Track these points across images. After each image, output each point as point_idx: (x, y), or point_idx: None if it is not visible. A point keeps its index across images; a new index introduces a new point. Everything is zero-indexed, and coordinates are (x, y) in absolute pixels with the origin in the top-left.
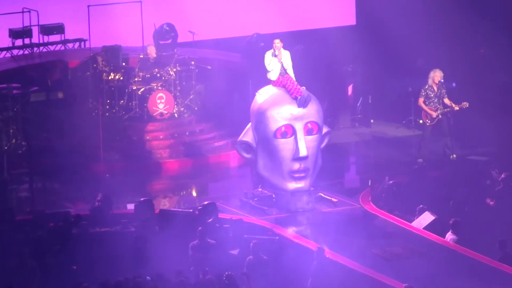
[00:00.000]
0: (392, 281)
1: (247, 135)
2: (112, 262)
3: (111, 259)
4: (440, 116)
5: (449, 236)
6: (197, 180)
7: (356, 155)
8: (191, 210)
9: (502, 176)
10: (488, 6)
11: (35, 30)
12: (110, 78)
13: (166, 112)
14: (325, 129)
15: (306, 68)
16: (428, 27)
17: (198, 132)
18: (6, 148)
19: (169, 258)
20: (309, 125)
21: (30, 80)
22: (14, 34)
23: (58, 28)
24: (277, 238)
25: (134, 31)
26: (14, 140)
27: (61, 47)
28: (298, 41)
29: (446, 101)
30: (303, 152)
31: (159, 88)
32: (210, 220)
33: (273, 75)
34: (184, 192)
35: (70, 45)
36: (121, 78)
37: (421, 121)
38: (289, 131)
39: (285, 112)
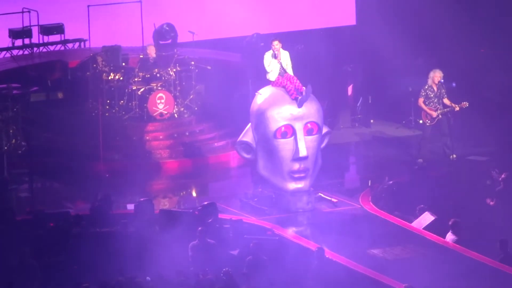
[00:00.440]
0: (392, 281)
1: (247, 135)
2: (112, 262)
3: (111, 259)
4: (440, 116)
5: (449, 236)
6: (197, 180)
7: (356, 155)
8: (191, 210)
9: (502, 176)
10: (488, 5)
11: (35, 30)
12: (110, 78)
13: (166, 112)
14: (325, 129)
15: (306, 68)
16: (428, 27)
17: (198, 132)
18: (6, 148)
19: (169, 258)
20: (309, 125)
21: (30, 80)
22: (14, 34)
23: (58, 28)
24: (277, 238)
25: (134, 31)
26: (14, 140)
27: (61, 47)
28: (298, 41)
29: (446, 101)
30: (303, 152)
31: (159, 88)
32: (210, 220)
33: (272, 75)
34: (184, 192)
35: (70, 45)
36: (121, 78)
37: (421, 121)
38: (289, 131)
39: (285, 112)
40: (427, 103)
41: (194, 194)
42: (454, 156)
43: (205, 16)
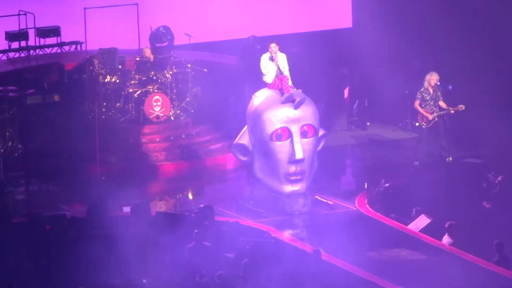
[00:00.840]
0: (388, 284)
1: (243, 137)
2: (109, 265)
3: (107, 261)
4: (436, 118)
5: (445, 239)
6: (193, 183)
7: (352, 157)
8: (187, 213)
9: (499, 178)
10: (484, 8)
11: (31, 33)
12: (106, 80)
13: (162, 114)
14: (321, 132)
15: (302, 71)
16: (424, 29)
17: (195, 134)
18: (2, 150)
19: (165, 260)
20: (305, 127)
21: (26, 82)
22: (11, 36)
23: (55, 31)
24: (273, 241)
25: (131, 33)
26: (10, 143)
27: (57, 49)
28: (295, 44)
29: (442, 104)
30: (299, 155)
31: (156, 90)
32: (206, 223)
33: (268, 78)
34: (180, 195)
35: (66, 48)
36: (118, 80)
37: (417, 124)
38: (285, 133)
39: (281, 114)
40: (423, 105)
41: (190, 196)
42: (451, 158)
43: (201, 19)
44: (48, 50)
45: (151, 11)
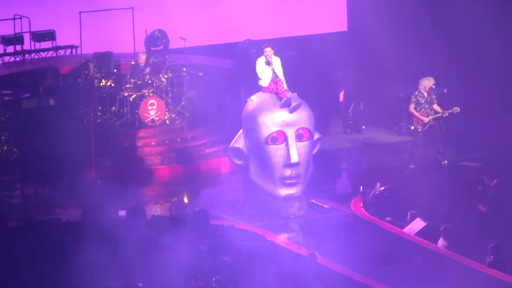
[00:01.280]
0: (383, 287)
1: (239, 141)
2: (105, 268)
3: (103, 266)
4: (431, 122)
5: (441, 242)
6: (188, 187)
7: (347, 161)
8: (182, 217)
9: (494, 182)
10: (479, 12)
11: (26, 37)
12: (101, 84)
13: (157, 118)
14: (316, 135)
15: (297, 74)
16: (419, 33)
17: (190, 138)
18: None
19: (160, 264)
20: (300, 131)
21: (21, 86)
22: (6, 40)
23: (50, 35)
24: (269, 244)
25: (126, 37)
26: (5, 147)
27: (52, 53)
28: (290, 47)
29: (436, 107)
30: (294, 158)
31: (151, 94)
32: (201, 227)
33: (264, 82)
34: (175, 199)
35: (61, 52)
36: (113, 84)
37: (412, 127)
38: (280, 137)
39: (276, 118)
40: (418, 109)
41: (185, 200)
42: (446, 162)
43: (196, 23)
44: (43, 54)
45: (146, 15)
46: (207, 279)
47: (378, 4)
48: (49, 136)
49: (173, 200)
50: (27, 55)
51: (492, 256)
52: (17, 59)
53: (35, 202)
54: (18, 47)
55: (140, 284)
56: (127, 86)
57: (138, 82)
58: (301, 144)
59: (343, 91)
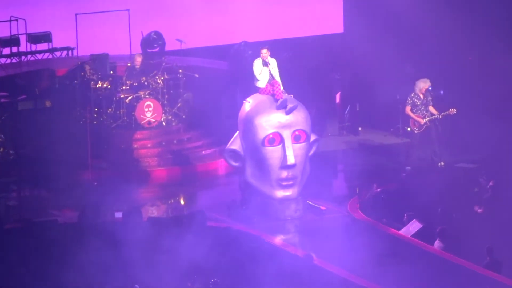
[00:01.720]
0: None
1: (235, 143)
2: (101, 270)
3: (99, 268)
4: (428, 123)
5: (437, 244)
6: (185, 188)
7: (344, 163)
8: (179, 219)
9: (490, 183)
10: (476, 13)
11: (22, 39)
12: (97, 86)
13: (154, 120)
14: (313, 137)
15: (293, 76)
16: (416, 34)
17: (186, 140)
18: None
19: (157, 266)
20: (297, 133)
21: (18, 88)
22: (2, 42)
23: (46, 37)
24: (265, 246)
25: (122, 39)
26: (2, 149)
27: (48, 55)
28: (286, 49)
29: (431, 109)
30: (291, 160)
31: (147, 96)
32: (198, 228)
33: (262, 83)
34: (172, 200)
35: (57, 54)
36: (109, 86)
37: (409, 129)
38: (277, 139)
39: (273, 120)
40: (414, 110)
41: (182, 202)
42: (442, 163)
43: (193, 25)
44: (39, 56)
45: (142, 16)
46: (203, 281)
47: (374, 6)
48: (46, 138)
49: (170, 201)
50: (23, 57)
51: (488, 258)
52: (13, 61)
53: (31, 203)
54: (14, 49)
55: (137, 286)
56: (123, 88)
57: (134, 84)
58: (297, 145)
59: (339, 92)
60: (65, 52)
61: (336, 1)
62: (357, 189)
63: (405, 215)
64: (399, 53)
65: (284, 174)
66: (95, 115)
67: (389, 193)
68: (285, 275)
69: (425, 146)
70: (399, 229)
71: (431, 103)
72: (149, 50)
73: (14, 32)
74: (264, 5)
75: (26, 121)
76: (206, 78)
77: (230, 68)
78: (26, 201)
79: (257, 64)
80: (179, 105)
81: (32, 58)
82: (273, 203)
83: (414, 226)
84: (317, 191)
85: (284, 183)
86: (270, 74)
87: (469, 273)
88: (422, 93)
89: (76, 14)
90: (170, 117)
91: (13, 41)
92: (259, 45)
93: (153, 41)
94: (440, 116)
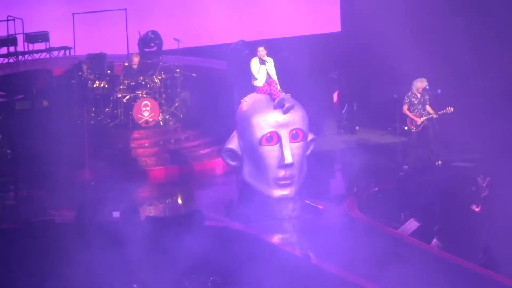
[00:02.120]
0: None
1: (233, 142)
2: (98, 270)
3: (97, 267)
4: (425, 122)
5: (434, 243)
6: (182, 188)
7: (341, 162)
8: (177, 218)
9: (486, 180)
10: (473, 13)
11: (20, 38)
12: (95, 86)
13: (151, 119)
14: (310, 136)
15: (291, 75)
16: (413, 34)
17: (184, 139)
18: None
19: (155, 265)
20: (294, 132)
21: (15, 88)
22: None
23: (43, 36)
24: (263, 245)
25: (119, 38)
26: None
27: (46, 55)
28: (283, 48)
29: (428, 108)
30: (288, 159)
31: (144, 95)
32: (196, 228)
33: (260, 82)
34: (169, 200)
35: (55, 53)
36: (106, 85)
37: (406, 128)
38: (274, 138)
39: (270, 119)
40: (411, 109)
41: (180, 201)
42: (440, 162)
43: (190, 24)
44: (36, 56)
45: (139, 16)
46: (201, 280)
47: (371, 5)
48: (43, 138)
49: (167, 201)
50: (20, 57)
51: (484, 257)
52: (11, 60)
53: (29, 203)
54: (12, 49)
55: (135, 285)
56: (121, 87)
57: (131, 83)
58: (295, 145)
59: (336, 91)
60: (62, 52)
61: (333, 0)
62: (355, 188)
63: (403, 214)
64: (396, 52)
65: (282, 173)
66: (93, 114)
67: (386, 192)
68: (283, 275)
69: (423, 145)
70: (396, 228)
71: (428, 102)
72: (146, 50)
73: (11, 31)
74: (261, 4)
75: (23, 120)
76: (203, 77)
77: (227, 68)
78: (23, 200)
79: (255, 63)
80: (176, 104)
81: (30, 58)
82: (271, 202)
83: (411, 225)
84: (315, 190)
85: (282, 182)
86: (267, 73)
87: (466, 272)
88: (419, 92)
89: (73, 14)
90: (167, 116)
91: (10, 40)
92: (256, 44)
93: (150, 41)
94: (435, 116)
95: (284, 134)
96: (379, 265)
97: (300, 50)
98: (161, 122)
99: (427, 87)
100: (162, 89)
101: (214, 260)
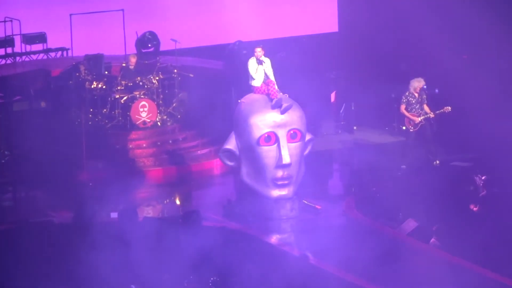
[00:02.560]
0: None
1: (230, 143)
2: (96, 271)
3: (95, 268)
4: (423, 122)
5: (433, 242)
6: (180, 188)
7: (339, 162)
8: (174, 218)
9: (483, 179)
10: (470, 12)
11: (17, 39)
12: (92, 86)
13: (149, 120)
14: (308, 136)
15: (289, 75)
16: (410, 33)
17: (181, 140)
18: None
19: (153, 266)
20: (292, 132)
21: (12, 89)
22: None
23: (41, 37)
24: (261, 245)
25: (117, 39)
26: None
27: (43, 56)
28: (281, 48)
29: (426, 107)
30: (286, 159)
31: (142, 96)
32: (194, 228)
33: (257, 82)
34: (167, 200)
35: (52, 54)
36: (104, 86)
37: (404, 128)
38: (272, 138)
39: (268, 119)
40: (409, 109)
41: (177, 202)
42: (438, 162)
43: (187, 24)
44: (34, 57)
45: (137, 17)
46: (199, 280)
47: (368, 5)
48: (41, 139)
49: (165, 201)
50: (18, 58)
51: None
52: (8, 61)
53: (27, 204)
54: (9, 50)
55: (133, 286)
56: (118, 88)
57: (129, 84)
58: (292, 145)
59: (334, 91)
60: (59, 53)
61: (331, 0)
62: (353, 188)
63: (400, 213)
64: (394, 52)
65: (280, 173)
66: (90, 115)
67: (384, 192)
68: (281, 275)
69: (420, 145)
70: (394, 228)
71: (425, 101)
72: (143, 50)
73: (8, 32)
74: (259, 4)
75: (21, 122)
76: (201, 78)
77: (224, 68)
78: (21, 201)
79: (252, 63)
80: (174, 105)
81: (27, 59)
82: (269, 203)
83: (409, 225)
84: (313, 190)
85: (280, 183)
86: (265, 73)
87: (465, 271)
88: (417, 92)
89: (70, 15)
90: (165, 117)
91: (7, 41)
92: (254, 44)
93: (147, 41)
94: (432, 115)
95: (282, 134)
96: (377, 264)
97: (297, 50)
98: (158, 123)
99: (425, 86)
100: (159, 90)
101: (212, 261)
